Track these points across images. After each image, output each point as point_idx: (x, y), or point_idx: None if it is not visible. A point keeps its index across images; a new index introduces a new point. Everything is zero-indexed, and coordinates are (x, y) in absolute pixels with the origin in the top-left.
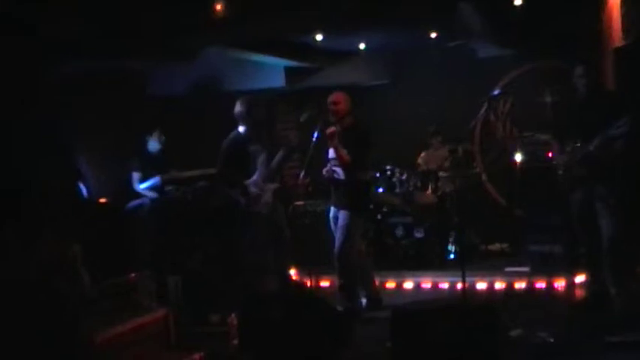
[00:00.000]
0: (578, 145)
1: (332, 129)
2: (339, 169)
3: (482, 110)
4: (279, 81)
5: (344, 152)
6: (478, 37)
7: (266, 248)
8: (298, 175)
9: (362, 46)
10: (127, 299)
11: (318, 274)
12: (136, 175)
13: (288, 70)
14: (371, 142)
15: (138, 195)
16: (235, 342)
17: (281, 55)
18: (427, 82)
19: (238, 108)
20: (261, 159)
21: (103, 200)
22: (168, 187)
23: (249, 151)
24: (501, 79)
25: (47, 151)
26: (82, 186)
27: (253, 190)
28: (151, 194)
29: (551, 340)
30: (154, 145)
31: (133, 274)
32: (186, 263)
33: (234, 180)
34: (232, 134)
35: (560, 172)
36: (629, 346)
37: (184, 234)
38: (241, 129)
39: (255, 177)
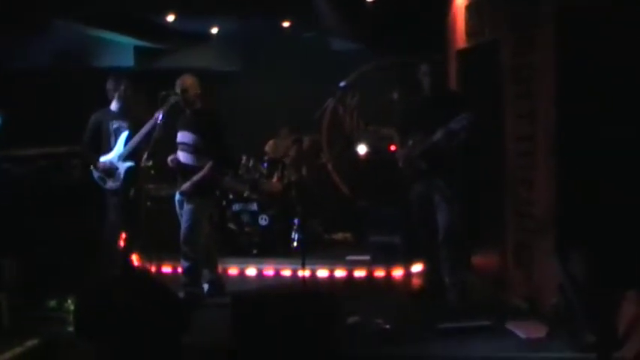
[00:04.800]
0: (419, 139)
1: None
2: (185, 154)
3: (328, 102)
4: (128, 60)
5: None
6: (332, 29)
7: (113, 230)
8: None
9: (214, 30)
10: None
11: (160, 260)
12: None
13: (138, 50)
14: (222, 126)
15: None
16: (71, 328)
17: (131, 34)
18: (279, 70)
19: (110, 84)
20: (122, 136)
21: None
22: (6, 165)
23: (112, 128)
24: (352, 73)
25: None
26: None
27: (106, 167)
28: None
29: (387, 327)
30: None
31: None
32: (23, 245)
33: (89, 156)
34: (101, 110)
35: (401, 165)
36: (460, 331)
37: (23, 214)
38: (113, 105)
39: (112, 154)
